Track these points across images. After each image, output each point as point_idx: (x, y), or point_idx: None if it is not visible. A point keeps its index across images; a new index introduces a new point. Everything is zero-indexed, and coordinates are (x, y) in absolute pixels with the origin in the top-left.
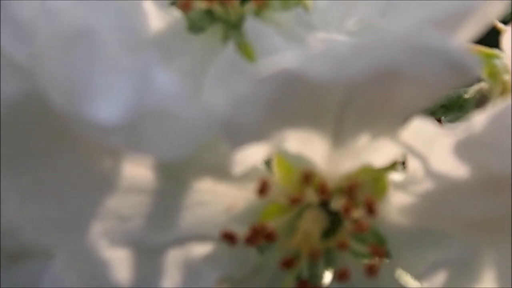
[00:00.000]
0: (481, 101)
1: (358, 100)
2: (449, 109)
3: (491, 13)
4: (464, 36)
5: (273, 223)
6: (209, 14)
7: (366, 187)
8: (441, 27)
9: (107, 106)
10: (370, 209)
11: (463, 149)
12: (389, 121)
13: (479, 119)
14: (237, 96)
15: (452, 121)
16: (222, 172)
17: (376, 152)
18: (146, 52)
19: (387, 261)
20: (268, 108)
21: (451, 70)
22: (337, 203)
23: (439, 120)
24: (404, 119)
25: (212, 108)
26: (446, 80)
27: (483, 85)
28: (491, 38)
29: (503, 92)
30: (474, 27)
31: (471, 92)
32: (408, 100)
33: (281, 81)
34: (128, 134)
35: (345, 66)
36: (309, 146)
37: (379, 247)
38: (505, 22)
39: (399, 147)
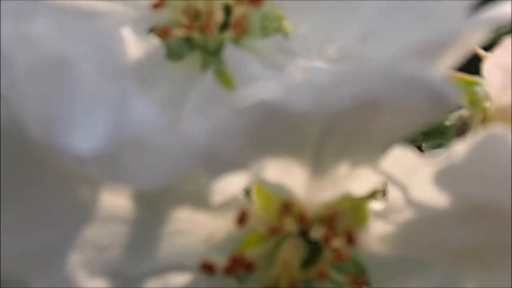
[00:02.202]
0: (462, 128)
1: (338, 130)
2: (429, 136)
3: (473, 41)
4: (444, 64)
5: (253, 253)
6: (188, 41)
7: (346, 216)
8: (421, 56)
9: (84, 137)
10: (350, 238)
11: (444, 179)
12: (370, 150)
13: (460, 148)
14: (217, 126)
15: (432, 147)
16: (201, 201)
17: (356, 181)
18: (124, 80)
19: None
20: (247, 138)
21: (430, 101)
22: (317, 233)
23: (419, 147)
24: (385, 148)
25: (191, 138)
26: (426, 110)
27: (464, 112)
28: (472, 64)
29: (484, 120)
30: (455, 55)
31: (452, 119)
32: (389, 130)
33: (261, 112)
34: (106, 164)
35: (326, 97)
36: (289, 175)
37: (359, 276)
38: (486, 48)
39: (380, 176)
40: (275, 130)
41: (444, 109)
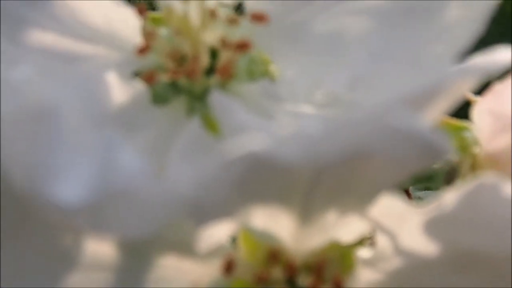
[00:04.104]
0: (451, 173)
1: (326, 180)
2: (417, 180)
3: (463, 88)
4: (434, 112)
5: None
6: (173, 86)
7: (334, 264)
8: (411, 104)
9: (69, 187)
10: (338, 286)
11: (433, 227)
12: (358, 198)
13: (450, 197)
14: (204, 177)
15: (420, 190)
16: (186, 248)
17: (344, 228)
18: (109, 127)
19: None
20: (235, 189)
21: (420, 152)
22: (305, 281)
23: (407, 191)
24: (374, 195)
25: (177, 188)
26: (416, 160)
27: (452, 156)
28: (461, 109)
29: (473, 165)
30: (445, 102)
31: (440, 164)
32: (377, 179)
33: (250, 164)
34: (91, 215)
35: (316, 150)
36: (276, 223)
37: None
38: (475, 93)
39: (368, 223)
40: (263, 181)
41: (434, 159)
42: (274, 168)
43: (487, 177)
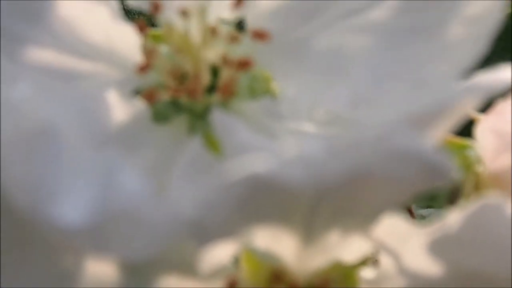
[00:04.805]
0: (454, 191)
1: (329, 200)
2: (420, 199)
3: (467, 107)
4: (438, 131)
5: None
6: (174, 104)
7: (337, 284)
8: (415, 124)
9: (70, 208)
10: None
11: (437, 248)
12: (361, 218)
13: (454, 218)
14: (206, 198)
15: (422, 208)
16: (188, 269)
17: (347, 248)
18: (110, 147)
19: None
20: (237, 210)
21: (424, 173)
22: None
23: (409, 209)
24: (376, 216)
25: (179, 209)
26: (419, 182)
27: (456, 175)
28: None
29: (476, 184)
30: (449, 122)
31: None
32: (380, 199)
33: (252, 185)
34: (92, 235)
35: (319, 172)
36: (279, 243)
37: None
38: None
39: (371, 243)
40: (266, 202)
41: (437, 180)
42: (276, 189)
43: (490, 198)
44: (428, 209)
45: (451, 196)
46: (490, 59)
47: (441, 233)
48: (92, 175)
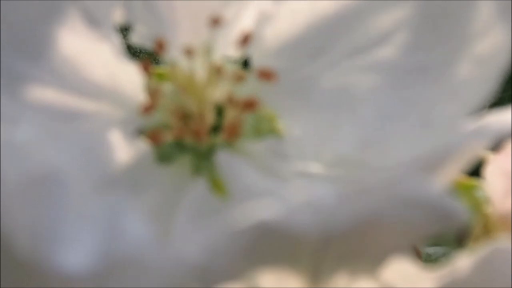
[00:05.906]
0: (462, 232)
1: (337, 244)
2: (428, 240)
3: (477, 149)
4: (447, 173)
5: None
6: (178, 145)
7: None
8: (423, 167)
9: (73, 255)
10: None
11: None
12: (369, 262)
13: (463, 263)
14: (212, 245)
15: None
16: None
17: None
18: (113, 190)
19: None
20: (244, 256)
21: (433, 218)
22: None
23: (416, 248)
24: (384, 259)
25: (184, 255)
26: (428, 226)
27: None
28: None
29: (485, 225)
30: (458, 164)
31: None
32: (389, 243)
33: (260, 233)
34: (96, 282)
35: (327, 219)
36: (285, 286)
37: None
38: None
39: (379, 286)
40: (273, 248)
41: (447, 224)
42: (284, 236)
43: (500, 242)
44: (435, 247)
45: (459, 235)
46: (503, 98)
47: (450, 279)
48: (96, 221)
